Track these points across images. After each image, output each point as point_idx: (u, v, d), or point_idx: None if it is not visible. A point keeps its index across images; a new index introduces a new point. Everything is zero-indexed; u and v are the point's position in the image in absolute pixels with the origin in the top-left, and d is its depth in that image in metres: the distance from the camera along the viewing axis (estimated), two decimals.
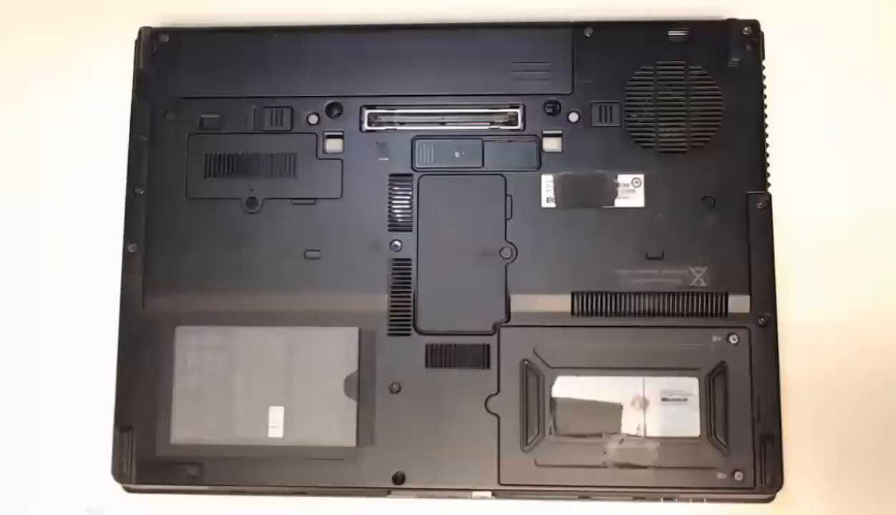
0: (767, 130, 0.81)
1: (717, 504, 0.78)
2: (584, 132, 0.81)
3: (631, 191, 0.80)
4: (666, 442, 0.77)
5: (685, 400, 0.78)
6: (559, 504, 0.79)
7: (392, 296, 0.80)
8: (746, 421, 0.77)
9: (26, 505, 0.82)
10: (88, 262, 0.84)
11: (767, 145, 0.81)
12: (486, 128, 0.82)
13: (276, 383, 0.79)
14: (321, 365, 0.79)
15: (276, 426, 0.78)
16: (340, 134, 0.82)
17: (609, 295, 0.79)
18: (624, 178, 0.81)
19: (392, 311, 0.80)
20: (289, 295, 0.80)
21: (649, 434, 0.77)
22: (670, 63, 0.82)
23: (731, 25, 0.82)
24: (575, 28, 0.83)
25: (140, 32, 0.84)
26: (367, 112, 0.82)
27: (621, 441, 0.77)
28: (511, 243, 0.80)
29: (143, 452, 0.78)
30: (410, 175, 0.81)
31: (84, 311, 0.83)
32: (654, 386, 0.78)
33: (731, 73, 0.82)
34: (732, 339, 0.78)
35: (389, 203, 0.81)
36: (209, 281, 0.80)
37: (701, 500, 0.78)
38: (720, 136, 0.81)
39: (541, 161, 0.81)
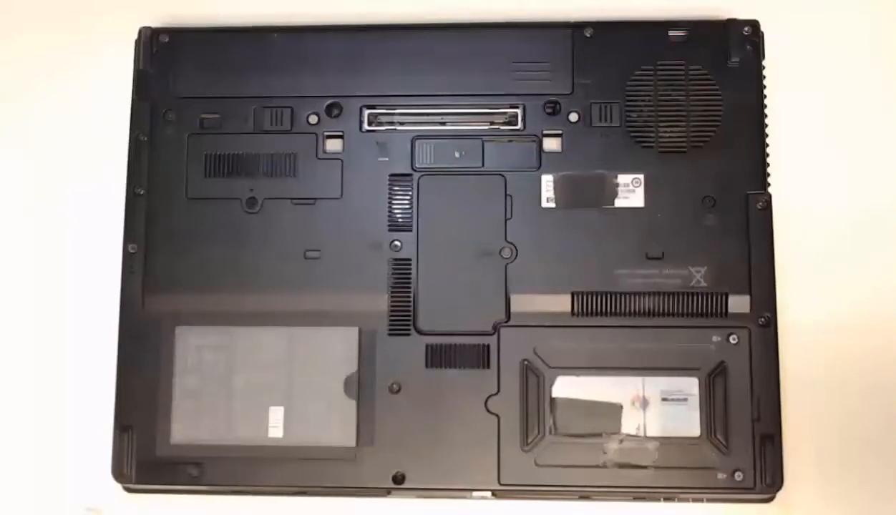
0: (767, 130, 0.81)
1: (717, 504, 0.78)
2: (584, 132, 0.81)
3: (631, 191, 0.80)
4: (666, 442, 0.77)
5: (685, 400, 0.78)
6: (559, 504, 0.79)
7: (392, 296, 0.80)
8: (746, 421, 0.77)
9: (26, 505, 0.82)
10: (89, 262, 0.84)
11: (767, 145, 0.81)
12: (486, 128, 0.82)
13: (276, 383, 0.79)
14: (321, 365, 0.79)
15: (276, 426, 0.78)
16: (340, 134, 0.82)
17: (609, 295, 0.79)
18: (624, 178, 0.81)
19: (392, 311, 0.80)
20: (289, 295, 0.80)
21: (649, 434, 0.77)
22: (670, 63, 0.82)
23: (731, 25, 0.82)
24: (575, 28, 0.83)
25: (140, 32, 0.84)
26: (367, 112, 0.82)
27: (621, 442, 0.77)
28: (511, 243, 0.80)
29: (143, 452, 0.78)
30: (410, 175, 0.81)
31: (84, 311, 0.83)
32: (654, 386, 0.78)
33: (731, 73, 0.82)
34: (732, 339, 0.78)
35: (389, 203, 0.81)
36: (209, 281, 0.80)
37: (701, 500, 0.78)
38: (720, 136, 0.81)
39: (541, 161, 0.81)
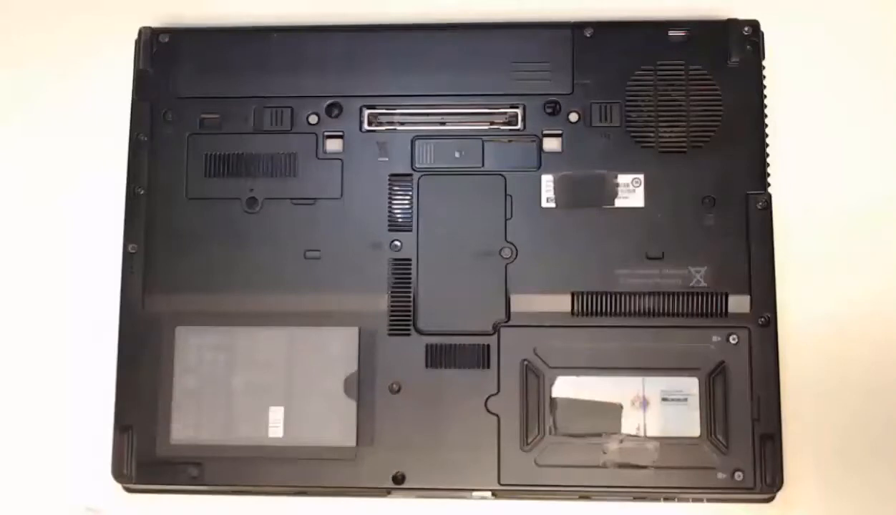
0: (767, 130, 0.81)
1: (717, 504, 0.78)
2: (584, 132, 0.81)
3: (631, 191, 0.80)
4: (666, 442, 0.77)
5: (685, 400, 0.78)
6: (559, 504, 0.79)
7: (392, 296, 0.80)
8: (746, 420, 0.77)
9: (26, 505, 0.82)
10: (89, 262, 0.84)
11: (767, 145, 0.81)
12: (486, 128, 0.82)
13: (276, 383, 0.79)
14: (321, 365, 0.79)
15: (276, 426, 0.78)
16: (340, 134, 0.82)
17: (609, 295, 0.79)
18: (624, 178, 0.81)
19: (392, 311, 0.80)
20: (289, 295, 0.80)
21: (649, 434, 0.77)
22: (670, 63, 0.82)
23: (731, 25, 0.82)
24: (575, 28, 0.83)
25: (140, 32, 0.84)
26: (367, 112, 0.82)
27: (621, 441, 0.77)
28: (511, 243, 0.80)
29: (143, 452, 0.78)
30: (410, 175, 0.81)
31: (84, 311, 0.83)
32: (654, 386, 0.78)
33: (731, 73, 0.82)
34: (732, 339, 0.78)
35: (389, 203, 0.81)
36: (209, 281, 0.80)
37: (701, 500, 0.78)
38: (720, 136, 0.81)
39: (541, 161, 0.81)
